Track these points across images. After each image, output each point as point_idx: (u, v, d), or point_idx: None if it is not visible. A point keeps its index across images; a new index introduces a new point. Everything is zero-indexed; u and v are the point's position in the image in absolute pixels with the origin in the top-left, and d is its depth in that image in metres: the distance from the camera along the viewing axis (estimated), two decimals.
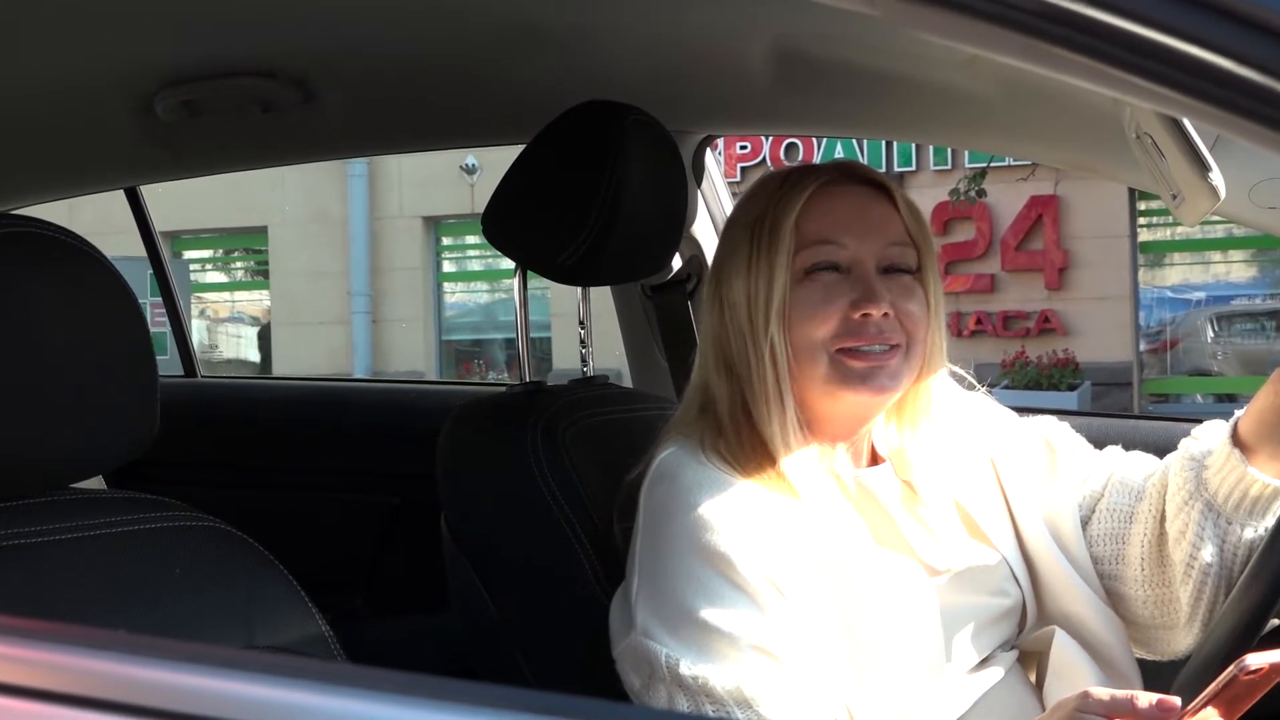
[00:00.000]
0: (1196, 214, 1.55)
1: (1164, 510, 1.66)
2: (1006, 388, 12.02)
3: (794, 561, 1.53)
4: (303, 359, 14.78)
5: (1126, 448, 1.83)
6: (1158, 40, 0.70)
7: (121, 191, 3.23)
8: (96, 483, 1.51)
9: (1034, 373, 12.51)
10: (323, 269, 15.03)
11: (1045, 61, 0.74)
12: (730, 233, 1.72)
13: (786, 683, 1.48)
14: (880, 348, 1.61)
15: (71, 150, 2.67)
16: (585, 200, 1.91)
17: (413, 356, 14.97)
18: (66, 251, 1.34)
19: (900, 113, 2.37)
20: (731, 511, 1.54)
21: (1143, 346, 13.07)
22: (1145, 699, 1.32)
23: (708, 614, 1.50)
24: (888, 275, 1.64)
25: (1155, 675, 1.72)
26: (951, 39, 0.78)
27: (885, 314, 1.60)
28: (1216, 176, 1.46)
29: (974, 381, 1.84)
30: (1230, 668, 1.24)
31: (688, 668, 1.48)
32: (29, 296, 1.29)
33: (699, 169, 2.63)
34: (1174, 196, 1.56)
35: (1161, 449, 1.77)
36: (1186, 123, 1.44)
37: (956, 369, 1.81)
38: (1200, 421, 1.72)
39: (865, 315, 1.60)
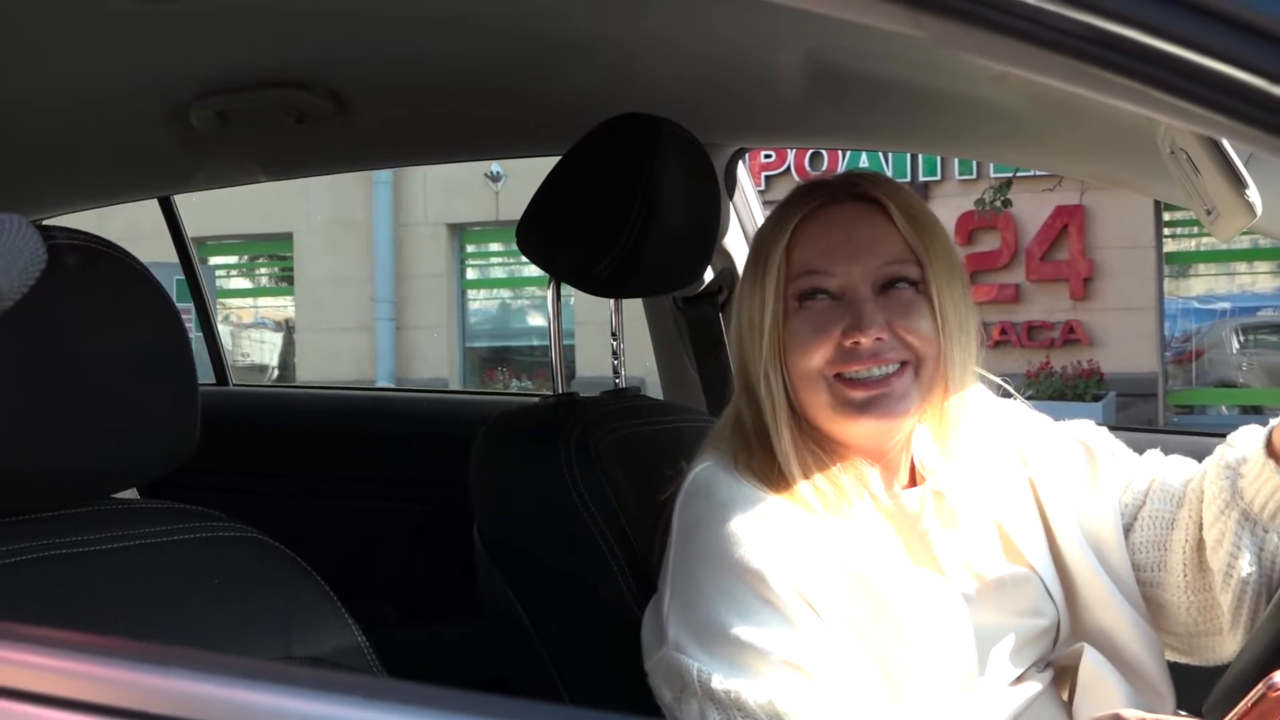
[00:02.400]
0: (1232, 230, 1.55)
1: (1202, 517, 1.65)
2: (1031, 398, 11.91)
3: (827, 578, 1.53)
4: (326, 365, 14.81)
5: None
6: (1205, 65, 0.71)
7: (153, 199, 3.27)
8: (129, 492, 1.52)
9: (1058, 383, 12.48)
10: (347, 275, 15.06)
11: (1092, 85, 0.74)
12: (748, 256, 1.73)
13: (818, 698, 1.48)
14: (880, 371, 1.59)
15: (107, 160, 2.70)
16: (620, 213, 1.91)
17: (436, 363, 14.99)
18: (107, 262, 1.34)
19: (932, 126, 2.37)
20: (764, 527, 1.54)
21: (1168, 357, 13.03)
22: None
23: (740, 629, 1.50)
24: (886, 294, 1.62)
25: (1185, 693, 1.72)
26: (998, 61, 0.78)
27: (879, 338, 1.59)
28: (1253, 193, 1.45)
29: (1010, 389, 1.83)
30: (1259, 686, 1.24)
31: (720, 682, 1.48)
32: (69, 308, 1.29)
33: (731, 181, 2.63)
34: (1208, 212, 1.55)
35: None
36: (1223, 140, 1.44)
37: (993, 378, 1.80)
38: (1228, 435, 1.72)
39: (855, 343, 1.59)
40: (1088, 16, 0.70)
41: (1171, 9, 0.70)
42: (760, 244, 1.69)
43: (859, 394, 1.59)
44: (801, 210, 1.66)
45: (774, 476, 1.61)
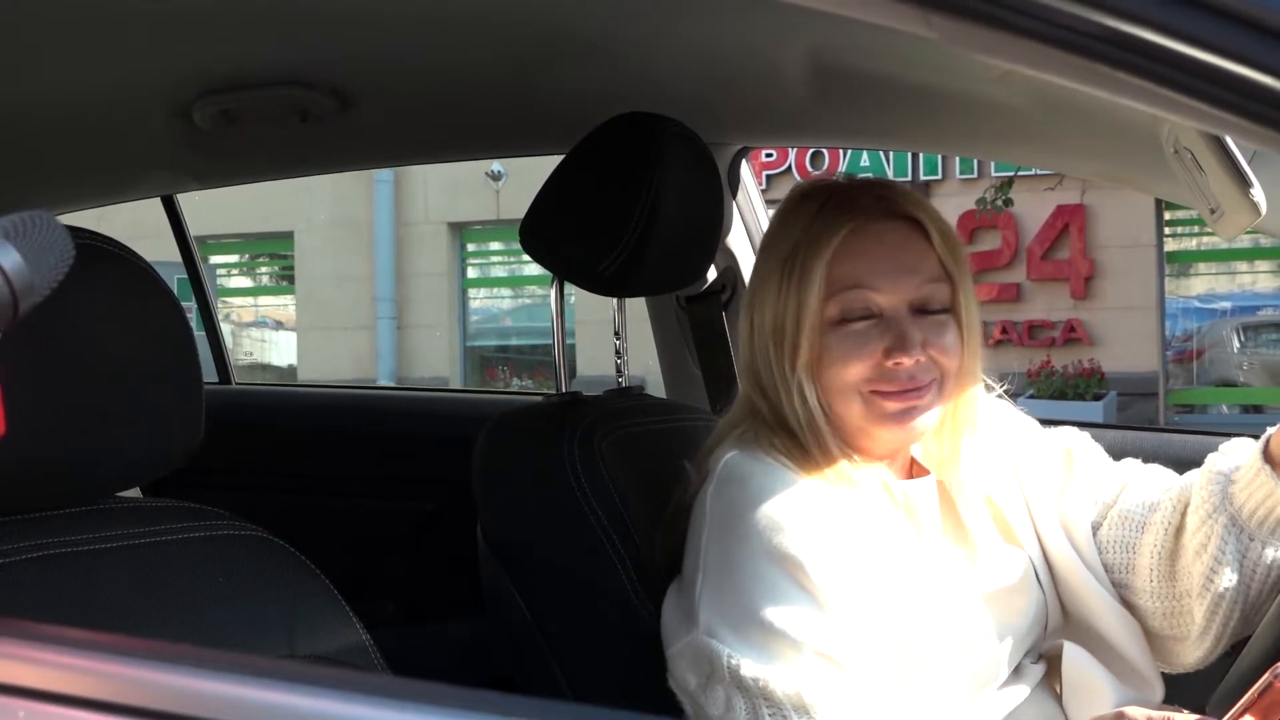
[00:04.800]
0: (1236, 228, 1.55)
1: (1180, 524, 1.66)
2: (1032, 397, 12.00)
3: (862, 568, 1.54)
4: (327, 364, 14.82)
5: (1155, 461, 1.84)
6: (1216, 64, 0.71)
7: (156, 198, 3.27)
8: (132, 490, 1.52)
9: (1059, 382, 12.49)
10: (348, 274, 15.07)
11: (1103, 84, 0.75)
12: (763, 258, 1.72)
13: (847, 691, 1.49)
14: (912, 389, 1.62)
15: (110, 158, 2.70)
16: (623, 212, 1.91)
17: (437, 362, 15.00)
18: (113, 261, 1.34)
19: (936, 126, 2.37)
20: (803, 515, 1.55)
21: (1169, 356, 13.03)
22: (1182, 718, 1.32)
23: (774, 616, 1.50)
24: (920, 315, 1.64)
25: (1184, 684, 1.73)
26: (1009, 61, 0.79)
27: (917, 360, 1.61)
28: (1258, 192, 1.46)
29: (993, 384, 1.83)
30: (1266, 675, 1.24)
31: (749, 669, 1.49)
32: (75, 306, 1.29)
33: (735, 180, 2.64)
34: (1212, 211, 1.55)
35: (1191, 462, 1.77)
36: (1227, 138, 1.44)
37: (985, 379, 1.81)
38: (1229, 433, 1.72)
39: (898, 364, 1.60)
40: (1100, 16, 0.71)
41: (1183, 8, 0.70)
42: (794, 251, 1.65)
43: (893, 405, 1.61)
44: (845, 226, 1.63)
45: (801, 459, 1.62)
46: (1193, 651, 1.67)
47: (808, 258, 1.63)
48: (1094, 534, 1.74)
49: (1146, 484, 1.76)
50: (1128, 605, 1.72)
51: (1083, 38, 0.72)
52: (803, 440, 1.64)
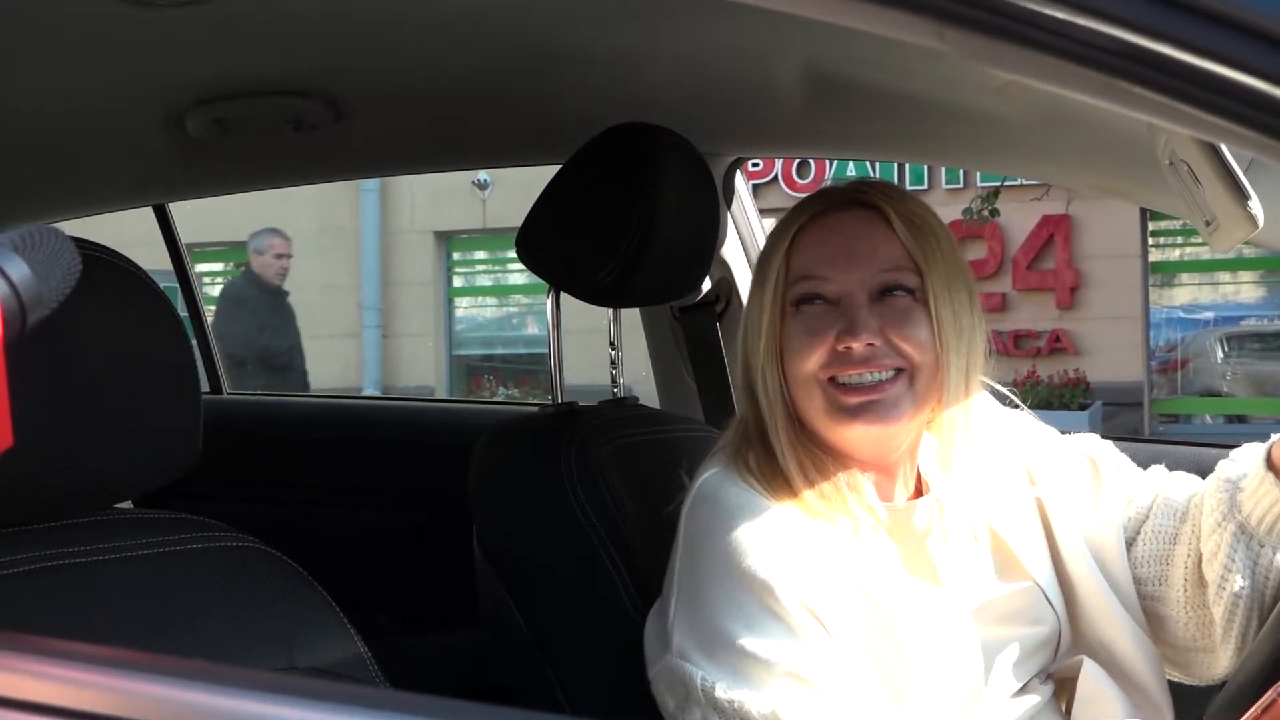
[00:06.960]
0: (1232, 241, 1.55)
1: (1201, 530, 1.65)
2: (1015, 408, 11.98)
3: (833, 590, 1.53)
4: (313, 372, 14.74)
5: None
6: (1235, 79, 0.71)
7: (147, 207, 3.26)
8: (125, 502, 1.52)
9: (1045, 392, 12.49)
10: (333, 282, 15.01)
11: (1119, 99, 0.74)
12: (757, 261, 1.75)
13: (822, 710, 1.48)
14: (873, 377, 1.59)
15: (102, 167, 2.69)
16: (619, 222, 1.92)
17: (423, 371, 14.95)
18: (112, 271, 1.34)
19: (931, 137, 2.37)
20: (773, 538, 1.54)
21: (1153, 366, 13.05)
22: None
23: (745, 640, 1.50)
24: (882, 301, 1.61)
25: (1188, 705, 1.73)
26: (1022, 75, 0.78)
27: (870, 344, 1.58)
28: (1255, 204, 1.45)
29: (1017, 400, 1.82)
30: (1270, 692, 1.24)
31: (724, 692, 1.48)
32: (73, 316, 1.28)
33: (729, 191, 2.64)
34: (1208, 223, 1.55)
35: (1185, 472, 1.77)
36: (1225, 150, 1.44)
37: (999, 387, 1.80)
38: (1223, 444, 1.72)
39: (847, 348, 1.58)
40: (1118, 31, 0.70)
41: (1202, 23, 0.70)
42: (765, 249, 1.70)
43: (852, 399, 1.59)
44: (803, 217, 1.66)
45: (776, 479, 1.61)
46: (1220, 661, 1.66)
47: (769, 252, 1.68)
48: (1129, 550, 1.72)
49: (1175, 493, 1.73)
50: (1158, 619, 1.71)
51: (1098, 52, 0.72)
52: (775, 444, 1.63)
